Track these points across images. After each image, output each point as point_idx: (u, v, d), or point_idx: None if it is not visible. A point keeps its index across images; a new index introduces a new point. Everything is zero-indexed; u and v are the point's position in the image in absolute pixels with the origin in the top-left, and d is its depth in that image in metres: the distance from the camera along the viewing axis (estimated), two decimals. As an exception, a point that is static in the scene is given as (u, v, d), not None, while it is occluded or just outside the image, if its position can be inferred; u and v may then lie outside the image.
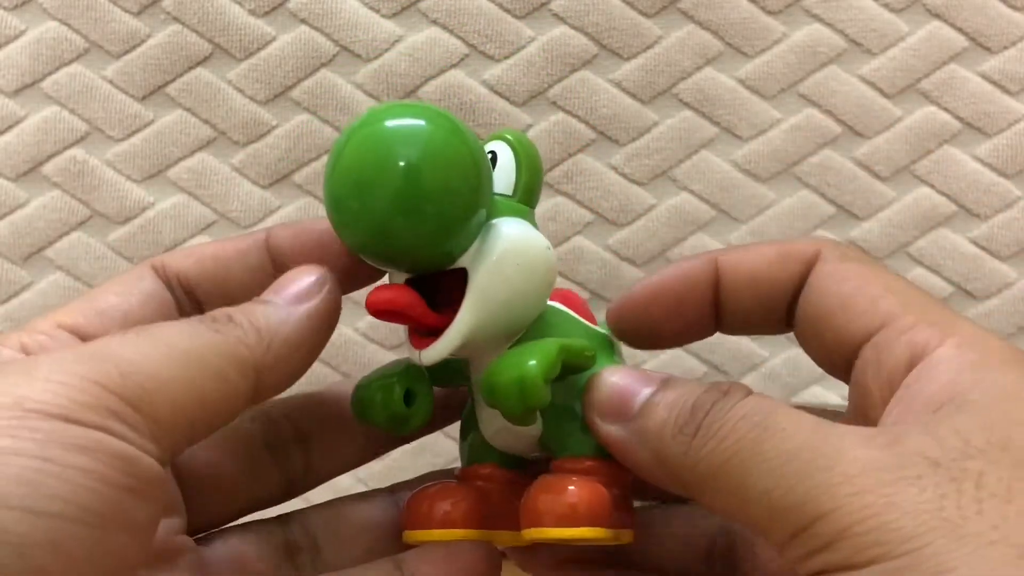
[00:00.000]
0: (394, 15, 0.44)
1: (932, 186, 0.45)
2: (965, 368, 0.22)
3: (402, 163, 0.23)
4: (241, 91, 0.44)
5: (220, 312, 0.24)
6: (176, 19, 0.43)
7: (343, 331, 0.45)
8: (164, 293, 0.27)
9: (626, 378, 0.25)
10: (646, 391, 0.24)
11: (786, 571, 0.20)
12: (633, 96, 0.44)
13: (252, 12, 0.43)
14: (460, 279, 0.24)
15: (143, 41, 0.43)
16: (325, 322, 0.25)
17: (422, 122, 0.23)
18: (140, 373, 0.20)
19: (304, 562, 0.28)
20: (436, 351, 0.24)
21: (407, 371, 0.27)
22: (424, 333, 0.25)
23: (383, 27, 0.43)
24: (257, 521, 0.29)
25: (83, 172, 0.44)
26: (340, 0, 0.43)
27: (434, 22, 0.44)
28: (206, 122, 0.44)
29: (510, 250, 0.25)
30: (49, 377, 0.20)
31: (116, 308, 0.26)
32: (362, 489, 0.30)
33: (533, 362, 0.24)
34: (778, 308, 0.27)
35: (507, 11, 0.44)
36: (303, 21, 0.43)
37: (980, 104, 0.45)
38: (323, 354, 0.45)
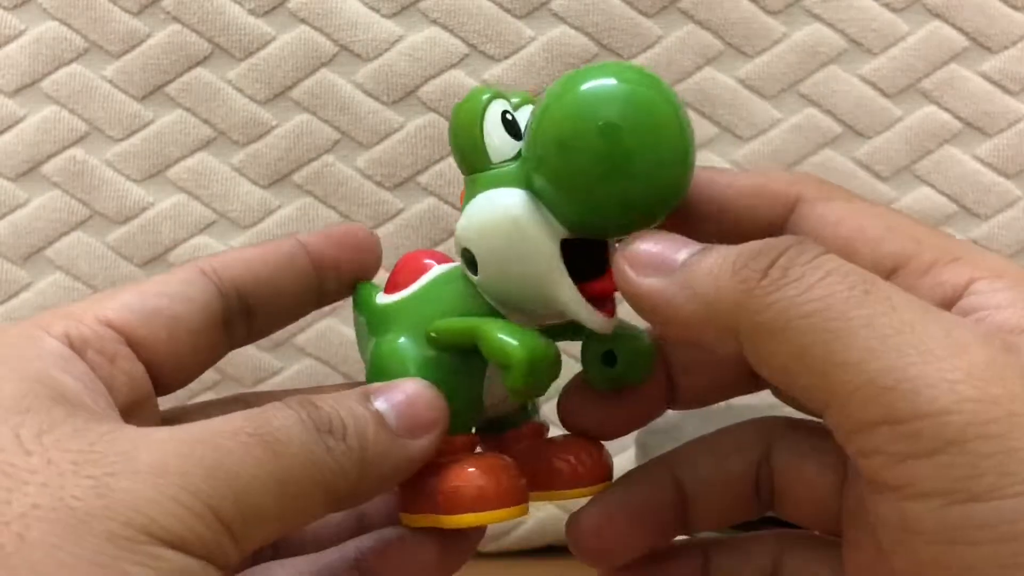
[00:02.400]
0: (394, 15, 0.44)
1: (932, 186, 0.45)
2: (1015, 304, 0.19)
3: (687, 132, 0.23)
4: (241, 91, 0.44)
5: (337, 422, 0.21)
6: (176, 19, 0.43)
7: (343, 331, 0.45)
8: (213, 300, 0.25)
9: (663, 234, 0.22)
10: (690, 247, 0.21)
11: None
12: (633, 96, 0.44)
13: (252, 12, 0.43)
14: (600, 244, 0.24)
15: (143, 41, 0.43)
16: (420, 465, 0.23)
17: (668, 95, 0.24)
18: (248, 503, 0.20)
19: None
20: (617, 317, 0.24)
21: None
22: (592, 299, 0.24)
23: (383, 27, 0.43)
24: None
25: (83, 172, 0.44)
26: (340, 0, 0.43)
27: (434, 22, 0.43)
28: (206, 122, 0.44)
29: None
30: (177, 498, 0.19)
31: (165, 312, 0.24)
32: None
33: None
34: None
35: (507, 11, 0.44)
36: (303, 21, 0.43)
37: (980, 104, 0.45)
38: (323, 355, 0.45)
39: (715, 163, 0.44)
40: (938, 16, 0.44)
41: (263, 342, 0.44)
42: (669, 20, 0.44)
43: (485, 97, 0.24)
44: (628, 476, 0.26)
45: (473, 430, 0.26)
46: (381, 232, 0.44)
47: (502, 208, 0.24)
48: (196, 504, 0.19)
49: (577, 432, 0.26)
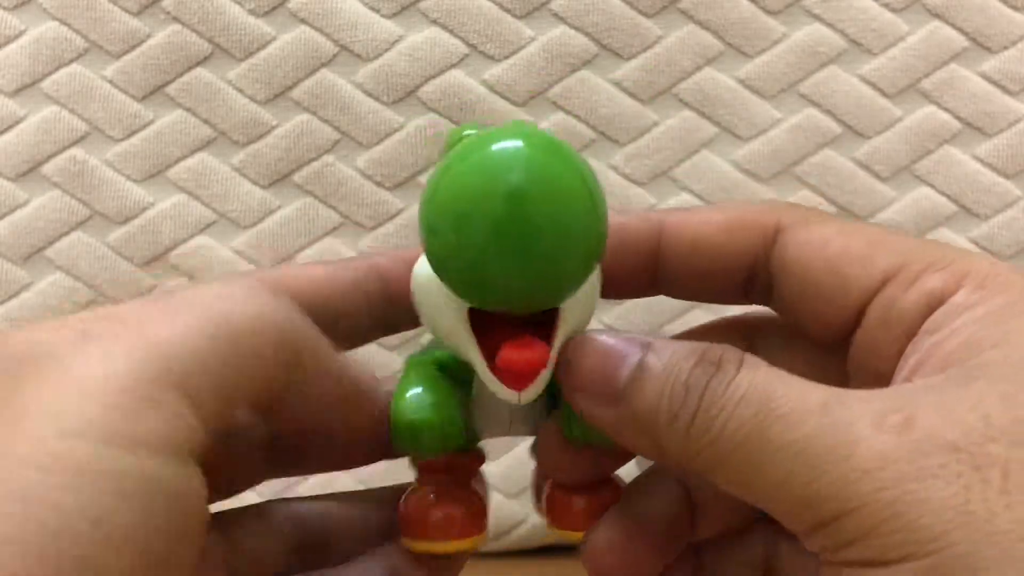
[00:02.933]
0: (394, 15, 0.44)
1: (932, 186, 0.45)
2: (985, 317, 0.20)
3: (597, 200, 0.21)
4: (241, 91, 0.44)
5: None
6: (176, 19, 0.43)
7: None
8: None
9: (602, 349, 0.22)
10: (629, 363, 0.21)
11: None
12: (633, 96, 0.44)
13: (252, 12, 0.43)
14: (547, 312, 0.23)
15: (143, 41, 0.43)
16: None
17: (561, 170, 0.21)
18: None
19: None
20: (535, 391, 0.23)
21: (450, 394, 0.24)
22: (519, 375, 0.23)
23: (383, 27, 0.43)
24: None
25: (83, 172, 0.44)
26: (340, 0, 0.43)
27: (434, 22, 0.44)
28: (206, 122, 0.44)
29: (595, 284, 0.24)
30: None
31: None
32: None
33: None
34: (731, 279, 0.25)
35: (507, 11, 0.44)
36: (303, 21, 0.43)
37: (980, 104, 0.45)
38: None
39: (716, 163, 0.44)
40: (938, 16, 0.44)
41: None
42: (669, 20, 0.44)
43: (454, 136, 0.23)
44: (637, 487, 0.26)
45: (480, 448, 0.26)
46: (381, 232, 0.44)
47: (417, 270, 0.23)
48: (116, 390, 0.18)
49: (552, 474, 0.26)
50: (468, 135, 0.22)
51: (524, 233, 0.20)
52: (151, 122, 0.44)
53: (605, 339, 0.22)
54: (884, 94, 0.45)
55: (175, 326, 0.19)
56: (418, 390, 0.24)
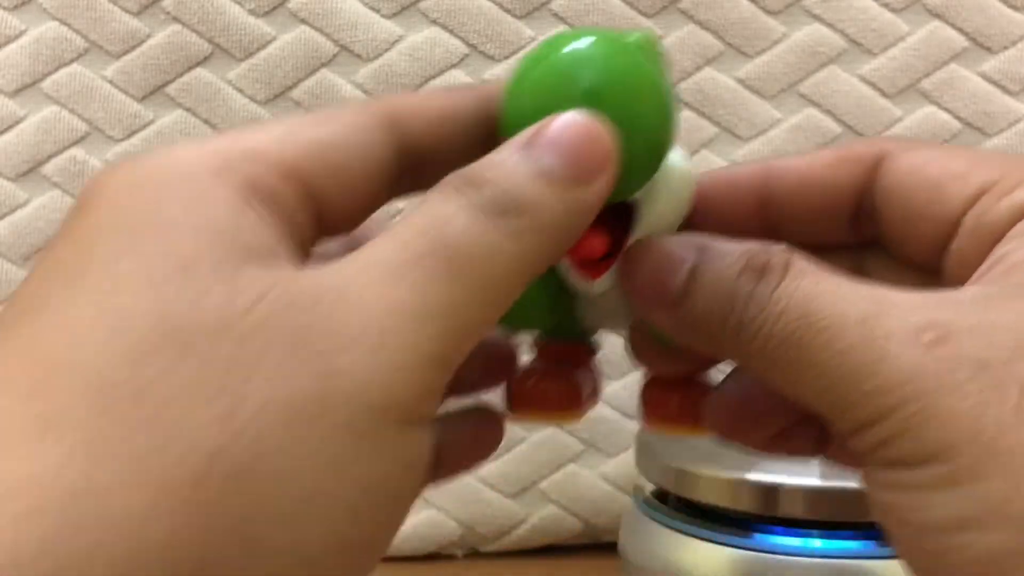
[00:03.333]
0: (394, 15, 0.44)
1: (932, 186, 0.45)
2: None
3: (667, 93, 0.23)
4: (241, 91, 0.44)
5: (508, 199, 0.20)
6: (176, 19, 0.43)
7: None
8: (391, 160, 0.22)
9: (658, 255, 0.22)
10: (683, 269, 0.22)
11: None
12: (633, 96, 0.44)
13: (252, 12, 0.43)
14: (619, 208, 0.24)
15: (143, 41, 0.43)
16: (598, 210, 0.22)
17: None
18: (463, 335, 0.19)
19: None
20: (606, 282, 0.24)
21: (545, 282, 0.24)
22: (587, 263, 0.24)
23: (383, 27, 0.44)
24: None
25: (83, 172, 0.44)
26: (340, 0, 0.43)
27: (434, 22, 0.44)
28: (206, 122, 0.44)
29: (673, 181, 0.24)
30: (404, 367, 0.18)
31: (344, 169, 0.21)
32: None
33: None
34: (838, 213, 0.25)
35: (507, 11, 0.44)
36: (303, 21, 0.43)
37: (980, 104, 0.45)
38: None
39: (715, 163, 0.45)
40: (938, 16, 0.44)
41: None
42: (669, 20, 0.44)
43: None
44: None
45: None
46: (381, 232, 0.45)
47: None
48: (427, 365, 0.18)
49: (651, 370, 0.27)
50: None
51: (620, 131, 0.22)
52: (151, 122, 0.44)
53: (662, 244, 0.22)
54: (884, 94, 0.45)
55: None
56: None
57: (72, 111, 0.44)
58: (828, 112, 0.45)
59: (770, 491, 0.33)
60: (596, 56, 0.22)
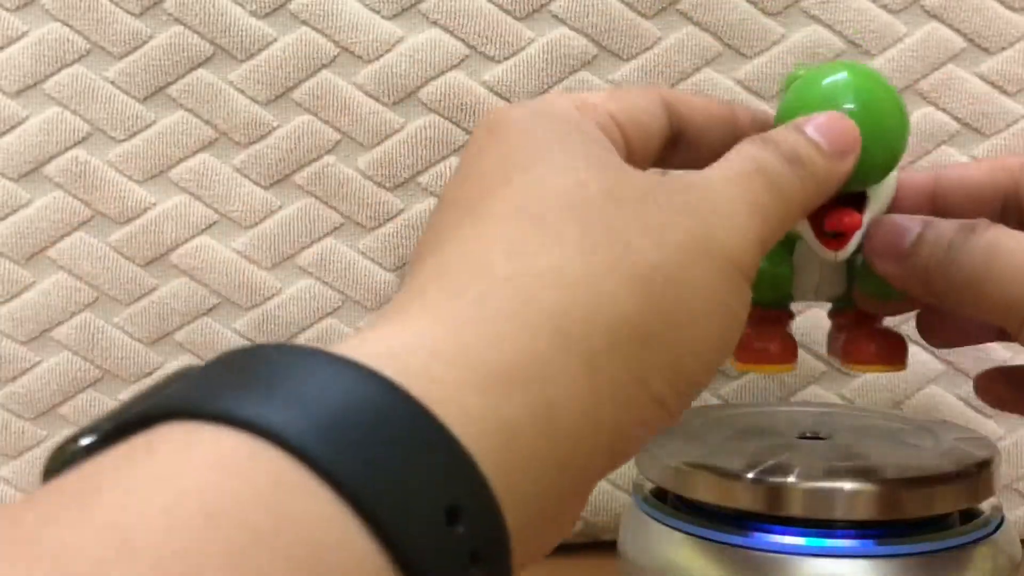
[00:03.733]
0: (395, 16, 0.44)
1: (930, 186, 0.45)
2: None
3: (905, 114, 0.31)
4: (242, 92, 0.44)
5: (794, 153, 0.28)
6: (177, 20, 0.43)
7: (345, 331, 0.45)
8: (666, 132, 0.30)
9: (892, 225, 0.31)
10: (912, 233, 0.30)
11: None
12: (632, 97, 0.44)
13: (253, 13, 0.43)
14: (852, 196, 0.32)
15: (145, 42, 0.44)
16: (844, 182, 0.30)
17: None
18: (774, 234, 0.27)
19: None
20: (848, 251, 0.32)
21: (783, 255, 0.34)
22: (831, 235, 0.32)
23: (384, 28, 0.44)
24: None
25: (85, 173, 0.44)
26: (341, 1, 0.43)
27: (434, 23, 0.44)
28: (207, 123, 0.44)
29: (891, 182, 0.33)
30: (747, 236, 0.26)
31: (644, 129, 0.29)
32: None
33: None
34: (992, 209, 0.32)
35: (507, 12, 0.44)
36: (304, 22, 0.43)
37: (978, 105, 0.45)
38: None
39: (714, 164, 0.45)
40: (936, 17, 0.45)
41: (263, 342, 0.45)
42: (668, 21, 0.44)
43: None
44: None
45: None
46: (382, 232, 0.45)
47: None
48: (755, 243, 0.26)
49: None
50: (800, 74, 0.32)
51: (902, 126, 0.31)
52: (153, 123, 0.44)
53: (896, 218, 0.31)
54: (882, 95, 0.45)
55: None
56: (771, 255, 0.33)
57: (74, 112, 0.44)
58: (826, 113, 0.45)
59: (769, 490, 0.33)
60: (856, 82, 0.31)
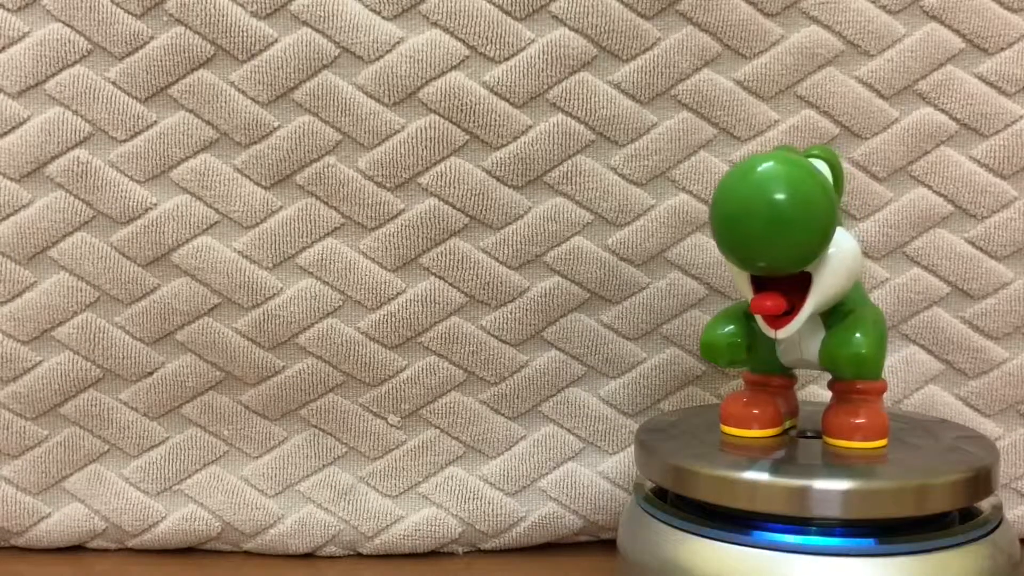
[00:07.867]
0: (395, 17, 0.44)
1: (929, 187, 0.45)
2: None
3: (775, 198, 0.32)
4: (243, 92, 0.44)
5: None
6: (179, 21, 0.43)
7: (345, 331, 0.45)
8: None
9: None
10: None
11: None
12: (632, 97, 0.45)
13: (254, 14, 0.43)
14: (803, 276, 0.33)
15: (146, 43, 0.44)
16: None
17: (783, 167, 0.32)
18: None
19: None
20: (789, 331, 0.33)
21: (745, 327, 0.36)
22: (775, 316, 0.33)
23: (384, 29, 0.44)
24: None
25: (86, 173, 0.44)
26: (341, 2, 0.43)
27: (435, 24, 0.44)
28: (208, 123, 0.44)
29: (844, 258, 0.34)
30: None
31: None
32: None
33: (865, 344, 0.34)
34: None
35: (507, 13, 0.44)
36: (305, 23, 0.44)
37: (977, 105, 0.45)
38: (324, 353, 0.45)
39: (714, 164, 0.45)
40: (935, 18, 0.45)
41: (263, 342, 0.45)
42: (667, 22, 0.44)
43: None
44: None
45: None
46: (382, 232, 0.45)
47: None
48: None
49: None
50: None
51: (771, 230, 0.32)
52: (154, 123, 0.44)
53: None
54: (881, 95, 0.45)
55: None
56: (720, 320, 0.37)
57: (75, 112, 0.44)
58: (825, 113, 0.45)
59: (768, 489, 0.33)
60: (779, 171, 0.32)
